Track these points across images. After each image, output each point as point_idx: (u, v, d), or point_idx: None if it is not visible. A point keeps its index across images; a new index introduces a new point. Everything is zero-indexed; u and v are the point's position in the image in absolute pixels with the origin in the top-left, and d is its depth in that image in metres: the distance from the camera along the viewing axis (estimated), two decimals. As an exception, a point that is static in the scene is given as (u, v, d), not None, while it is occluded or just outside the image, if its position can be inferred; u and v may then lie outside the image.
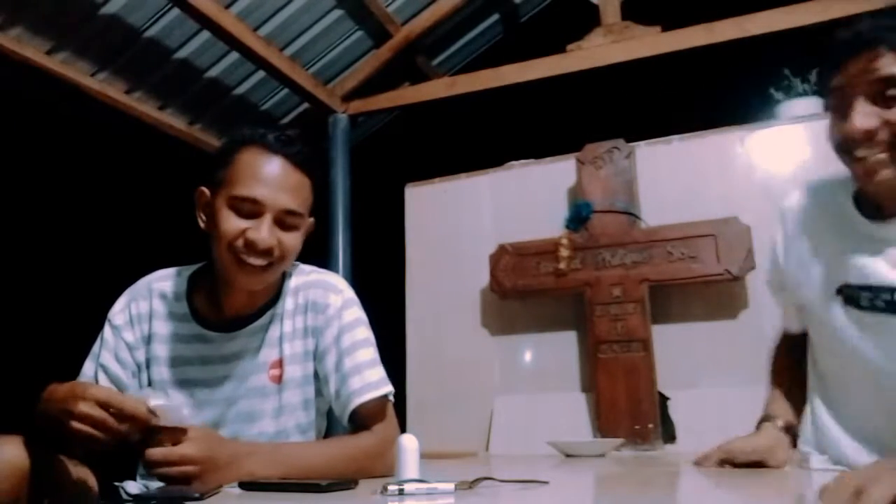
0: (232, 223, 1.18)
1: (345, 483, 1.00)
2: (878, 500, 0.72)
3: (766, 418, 1.31)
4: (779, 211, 1.35)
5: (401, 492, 0.90)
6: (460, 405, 2.69)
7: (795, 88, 2.59)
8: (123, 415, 0.93)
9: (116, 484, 1.11)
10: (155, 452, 0.96)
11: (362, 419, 1.25)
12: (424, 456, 1.02)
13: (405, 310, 2.90)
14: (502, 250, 2.65)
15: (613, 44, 3.11)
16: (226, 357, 1.28)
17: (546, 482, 1.02)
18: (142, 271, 1.37)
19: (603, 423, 2.36)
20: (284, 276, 1.33)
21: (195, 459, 0.98)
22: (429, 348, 2.82)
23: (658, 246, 2.44)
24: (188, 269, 1.35)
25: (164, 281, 1.33)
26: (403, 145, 4.20)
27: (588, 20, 3.18)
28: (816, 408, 1.29)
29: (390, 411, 1.29)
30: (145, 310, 1.30)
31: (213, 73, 3.33)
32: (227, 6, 2.89)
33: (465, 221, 2.89)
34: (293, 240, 1.22)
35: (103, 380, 1.26)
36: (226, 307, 1.28)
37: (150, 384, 1.29)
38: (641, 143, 2.66)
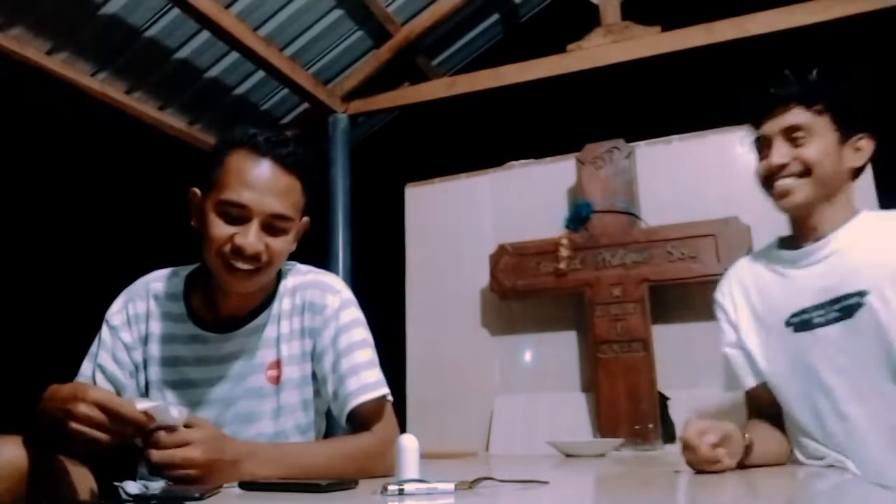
0: (220, 228, 1.18)
1: (345, 483, 1.00)
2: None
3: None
4: (725, 275, 1.60)
5: (401, 492, 0.90)
6: (460, 405, 2.69)
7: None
8: (121, 418, 0.93)
9: (116, 484, 1.11)
10: (158, 455, 0.96)
11: (360, 420, 1.25)
12: (424, 456, 1.02)
13: (405, 310, 2.89)
14: (502, 250, 2.65)
15: (613, 44, 3.11)
16: (223, 357, 1.28)
17: (546, 482, 1.02)
18: (141, 271, 1.37)
19: (603, 423, 2.36)
20: (280, 277, 1.33)
21: (199, 463, 0.98)
22: (429, 348, 2.82)
23: (658, 246, 2.44)
24: (185, 270, 1.35)
25: (161, 281, 1.33)
26: (403, 145, 4.19)
27: (588, 20, 3.18)
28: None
29: (389, 411, 1.29)
30: (143, 310, 1.30)
31: (213, 73, 3.33)
32: (227, 6, 2.88)
33: (464, 221, 2.88)
34: (281, 244, 1.22)
35: (101, 380, 1.26)
36: (221, 308, 1.28)
37: (147, 385, 1.29)
38: (641, 143, 2.65)
